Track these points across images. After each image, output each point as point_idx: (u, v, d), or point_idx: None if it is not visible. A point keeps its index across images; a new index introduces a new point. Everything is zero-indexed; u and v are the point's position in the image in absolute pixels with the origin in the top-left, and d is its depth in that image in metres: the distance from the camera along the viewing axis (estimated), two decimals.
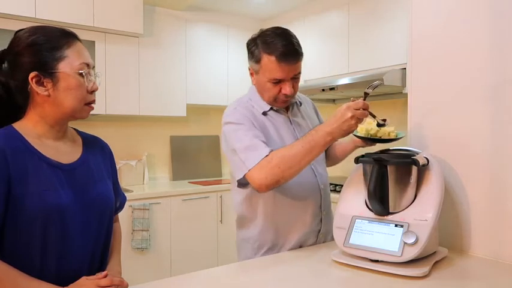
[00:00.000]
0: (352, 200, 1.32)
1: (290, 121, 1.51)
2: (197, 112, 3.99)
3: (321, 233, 1.52)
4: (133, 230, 2.97)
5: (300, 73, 1.43)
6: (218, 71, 3.85)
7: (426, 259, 1.19)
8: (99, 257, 1.09)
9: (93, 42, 3.05)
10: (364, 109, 1.21)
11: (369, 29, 3.06)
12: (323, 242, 1.52)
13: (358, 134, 1.34)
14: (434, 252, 1.24)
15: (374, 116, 1.29)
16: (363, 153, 1.30)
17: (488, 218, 1.30)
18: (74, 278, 0.97)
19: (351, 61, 3.22)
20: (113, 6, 3.06)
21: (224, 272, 1.25)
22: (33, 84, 0.98)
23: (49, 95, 0.99)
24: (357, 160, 1.29)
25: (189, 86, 3.66)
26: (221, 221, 3.48)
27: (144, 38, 3.34)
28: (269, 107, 1.48)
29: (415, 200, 1.22)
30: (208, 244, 3.42)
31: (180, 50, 3.59)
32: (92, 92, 1.05)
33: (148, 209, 3.03)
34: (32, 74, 0.97)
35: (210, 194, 3.42)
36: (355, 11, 3.20)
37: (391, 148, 1.42)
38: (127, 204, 2.96)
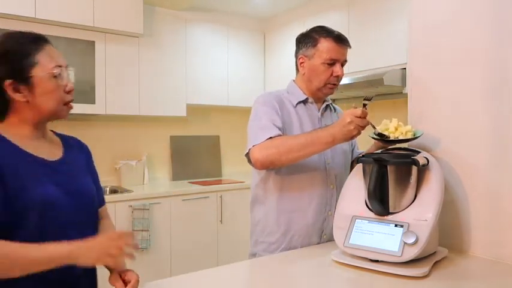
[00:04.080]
0: (352, 200, 1.32)
1: (319, 119, 1.58)
2: (197, 112, 3.99)
3: (324, 234, 1.53)
4: (134, 230, 2.96)
5: (346, 61, 1.54)
6: (218, 71, 3.85)
7: (426, 259, 1.19)
8: None
9: (93, 42, 3.05)
10: (363, 117, 1.28)
11: (369, 29, 3.06)
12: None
13: (375, 136, 1.35)
14: (434, 252, 1.25)
15: (374, 127, 1.33)
16: (363, 153, 1.30)
17: (488, 218, 1.30)
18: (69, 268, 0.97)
19: (350, 61, 3.21)
20: (113, 6, 3.06)
21: (224, 272, 1.25)
22: (10, 92, 1.00)
23: (27, 101, 1.02)
24: (357, 160, 1.29)
25: (189, 86, 3.65)
26: (221, 221, 3.48)
27: (144, 38, 3.34)
28: (305, 97, 1.56)
29: (415, 200, 1.22)
30: (208, 244, 3.41)
31: (180, 50, 3.59)
32: (69, 92, 1.08)
33: (148, 209, 3.03)
34: (7, 82, 0.99)
35: (210, 194, 3.42)
36: (355, 11, 3.20)
37: (390, 148, 1.43)
38: (127, 204, 2.97)
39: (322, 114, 1.59)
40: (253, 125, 1.47)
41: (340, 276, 1.18)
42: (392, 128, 1.35)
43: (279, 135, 1.40)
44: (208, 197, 3.40)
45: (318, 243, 1.52)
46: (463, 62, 1.36)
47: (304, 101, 1.56)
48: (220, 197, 3.47)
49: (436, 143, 1.42)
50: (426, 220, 1.15)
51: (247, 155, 1.44)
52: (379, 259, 1.17)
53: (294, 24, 3.72)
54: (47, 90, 1.03)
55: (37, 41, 1.05)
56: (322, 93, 1.56)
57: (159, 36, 3.45)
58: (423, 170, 1.24)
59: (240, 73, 3.99)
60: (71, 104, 1.09)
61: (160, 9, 3.46)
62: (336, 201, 1.40)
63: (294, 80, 1.62)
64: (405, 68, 2.73)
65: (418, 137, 1.34)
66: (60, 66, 1.05)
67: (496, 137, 1.28)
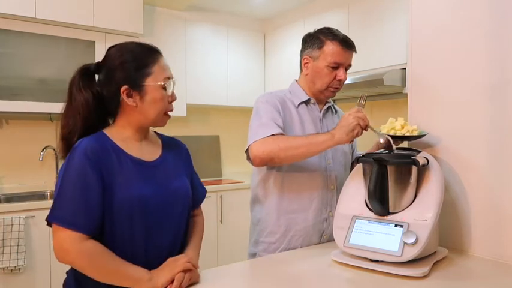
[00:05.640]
0: (352, 200, 1.32)
1: (320, 119, 1.58)
2: (197, 112, 3.99)
3: (324, 234, 1.53)
4: None
5: (350, 65, 1.54)
6: (218, 71, 3.85)
7: (426, 259, 1.19)
8: (179, 245, 1.21)
9: (93, 42, 3.05)
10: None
11: (369, 29, 3.06)
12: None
13: (382, 132, 1.36)
14: (434, 252, 1.25)
15: (375, 131, 1.35)
16: (363, 153, 1.31)
17: (488, 218, 1.30)
18: (160, 263, 1.08)
19: None
20: (113, 6, 3.06)
21: (224, 272, 1.25)
22: (124, 96, 1.11)
23: (136, 106, 1.12)
24: (357, 160, 1.29)
25: (189, 86, 3.65)
26: (221, 221, 3.48)
27: (144, 38, 3.34)
28: (307, 97, 1.56)
29: (415, 200, 1.22)
30: (208, 244, 3.41)
31: (180, 50, 3.59)
32: (171, 102, 1.18)
33: None
34: (123, 88, 1.10)
35: (210, 194, 3.42)
36: (355, 11, 3.20)
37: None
38: None
39: (323, 115, 1.59)
40: (254, 123, 1.47)
41: (340, 276, 1.18)
42: (398, 126, 1.36)
43: (280, 134, 1.40)
44: (208, 197, 3.36)
45: (318, 244, 1.52)
46: (463, 61, 1.36)
47: (306, 102, 1.56)
48: (221, 197, 3.47)
49: (436, 143, 1.42)
50: (426, 220, 1.15)
51: (247, 151, 1.44)
52: (379, 259, 1.17)
53: (294, 25, 3.72)
54: (154, 99, 1.12)
55: (153, 53, 1.15)
56: (324, 96, 1.56)
57: (159, 36, 3.45)
58: (423, 169, 1.24)
59: (240, 73, 3.99)
60: (169, 113, 1.19)
61: (160, 9, 3.47)
62: (336, 201, 1.40)
63: (296, 80, 1.62)
64: (405, 68, 2.73)
65: (425, 135, 1.35)
66: (169, 78, 1.15)
67: (496, 137, 1.28)
